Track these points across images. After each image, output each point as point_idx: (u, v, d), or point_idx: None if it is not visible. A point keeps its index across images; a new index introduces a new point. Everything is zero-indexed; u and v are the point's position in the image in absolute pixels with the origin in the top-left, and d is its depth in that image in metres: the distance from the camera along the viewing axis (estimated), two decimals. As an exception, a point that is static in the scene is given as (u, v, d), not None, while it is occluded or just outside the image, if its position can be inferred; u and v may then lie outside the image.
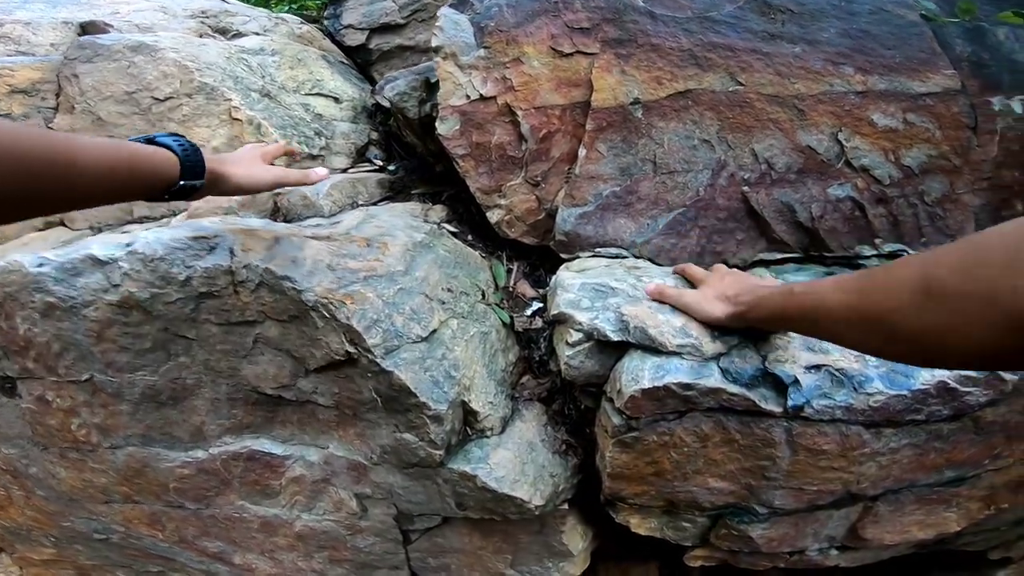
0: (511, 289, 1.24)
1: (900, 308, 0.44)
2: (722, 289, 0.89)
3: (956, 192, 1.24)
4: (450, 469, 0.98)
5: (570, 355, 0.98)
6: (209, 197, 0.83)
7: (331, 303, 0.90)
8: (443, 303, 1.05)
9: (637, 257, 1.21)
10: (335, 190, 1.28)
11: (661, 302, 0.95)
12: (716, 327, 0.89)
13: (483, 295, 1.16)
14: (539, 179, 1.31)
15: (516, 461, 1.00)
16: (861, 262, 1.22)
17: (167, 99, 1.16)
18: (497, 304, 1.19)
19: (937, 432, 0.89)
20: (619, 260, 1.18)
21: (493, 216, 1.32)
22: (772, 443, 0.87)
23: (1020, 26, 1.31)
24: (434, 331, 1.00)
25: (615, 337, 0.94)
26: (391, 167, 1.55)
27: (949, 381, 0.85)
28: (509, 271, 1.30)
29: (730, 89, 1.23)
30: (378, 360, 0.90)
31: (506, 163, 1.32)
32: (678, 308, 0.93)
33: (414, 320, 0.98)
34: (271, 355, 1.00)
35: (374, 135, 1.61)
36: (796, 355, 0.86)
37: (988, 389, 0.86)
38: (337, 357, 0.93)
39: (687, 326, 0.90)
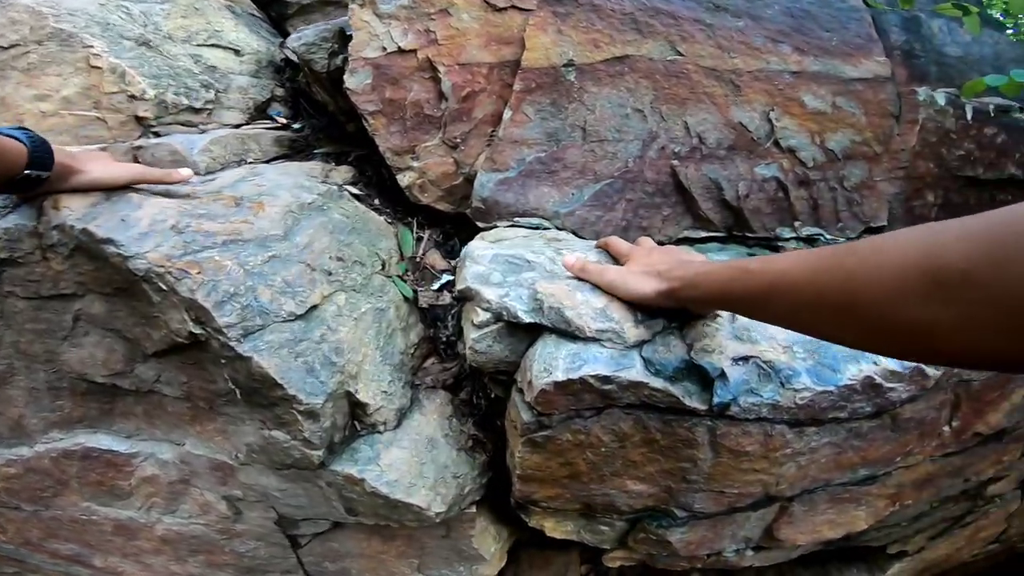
0: (419, 260, 1.05)
1: (895, 297, 0.35)
2: (651, 264, 0.75)
3: (874, 179, 1.17)
4: (333, 471, 0.77)
5: (476, 338, 0.79)
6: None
7: (168, 272, 0.66)
8: (329, 274, 0.83)
9: (560, 229, 1.05)
10: (216, 145, 1.01)
11: (582, 279, 0.80)
12: (642, 307, 0.74)
13: (384, 266, 0.95)
14: (458, 141, 1.12)
15: (413, 461, 0.81)
16: (780, 244, 1.13)
17: (12, 47, 0.98)
18: (400, 276, 0.97)
19: (857, 430, 0.81)
20: (540, 231, 1.02)
21: (404, 179, 1.11)
22: (694, 444, 0.74)
23: (956, 18, 1.26)
24: (314, 307, 0.77)
25: (527, 318, 0.76)
26: (296, 125, 1.29)
27: (875, 376, 0.76)
28: (419, 240, 1.10)
29: (668, 58, 1.09)
30: (232, 343, 0.67)
31: (422, 122, 1.12)
32: (600, 286, 0.78)
33: (287, 294, 0.75)
34: (98, 336, 0.75)
35: (280, 91, 1.35)
36: (723, 344, 0.74)
37: (911, 385, 0.78)
38: (180, 339, 0.69)
39: (609, 308, 0.75)
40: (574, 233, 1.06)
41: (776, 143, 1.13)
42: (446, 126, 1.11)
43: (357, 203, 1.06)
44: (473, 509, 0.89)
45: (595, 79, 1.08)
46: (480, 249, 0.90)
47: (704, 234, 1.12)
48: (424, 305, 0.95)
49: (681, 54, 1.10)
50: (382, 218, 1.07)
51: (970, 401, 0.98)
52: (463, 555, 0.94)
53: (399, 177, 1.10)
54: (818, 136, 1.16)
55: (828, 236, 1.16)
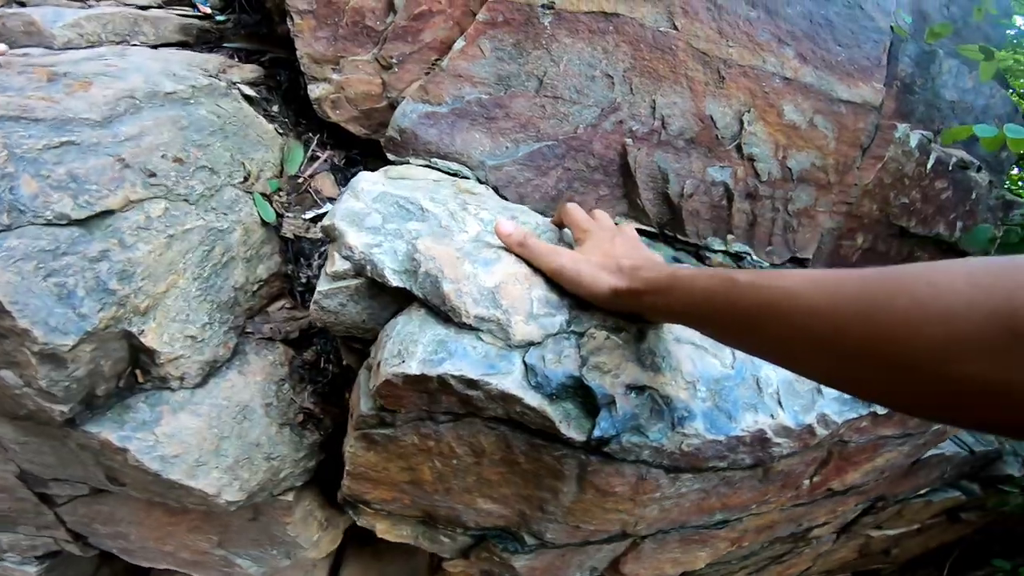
0: (303, 180, 0.80)
1: (962, 351, 0.27)
2: (611, 254, 0.56)
3: (817, 208, 1.04)
4: (86, 432, 0.53)
5: (325, 291, 0.56)
6: None
7: None
8: (152, 175, 0.56)
9: (480, 182, 0.84)
10: (91, 22, 0.71)
11: (519, 255, 0.58)
12: (551, 299, 0.56)
13: (247, 178, 0.68)
14: (394, 61, 0.85)
15: (208, 434, 0.58)
16: (707, 255, 0.98)
17: None
18: (265, 195, 0.71)
19: (729, 479, 0.68)
20: (455, 179, 0.79)
21: (316, 90, 0.81)
22: (560, 476, 0.56)
23: (969, 62, 1.11)
24: (105, 213, 0.51)
25: (395, 281, 0.54)
26: (220, 17, 0.97)
27: (767, 430, 0.62)
28: (312, 159, 0.84)
29: (661, 29, 0.87)
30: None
31: (358, 34, 0.84)
32: (544, 271, 0.57)
33: (66, 190, 0.49)
34: None
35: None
36: (622, 364, 0.57)
37: (797, 442, 0.66)
38: None
39: (500, 290, 0.53)
40: (495, 190, 0.84)
41: (739, 147, 0.96)
42: (385, 42, 0.84)
43: (244, 104, 0.76)
44: (290, 497, 0.67)
45: (572, 30, 0.84)
46: (368, 182, 0.65)
47: (635, 226, 0.95)
48: (288, 235, 0.70)
49: (676, 28, 0.88)
50: (273, 126, 0.77)
51: (840, 460, 0.90)
52: (276, 540, 0.74)
53: (311, 88, 0.82)
54: (782, 150, 0.99)
55: (754, 257, 1.02)
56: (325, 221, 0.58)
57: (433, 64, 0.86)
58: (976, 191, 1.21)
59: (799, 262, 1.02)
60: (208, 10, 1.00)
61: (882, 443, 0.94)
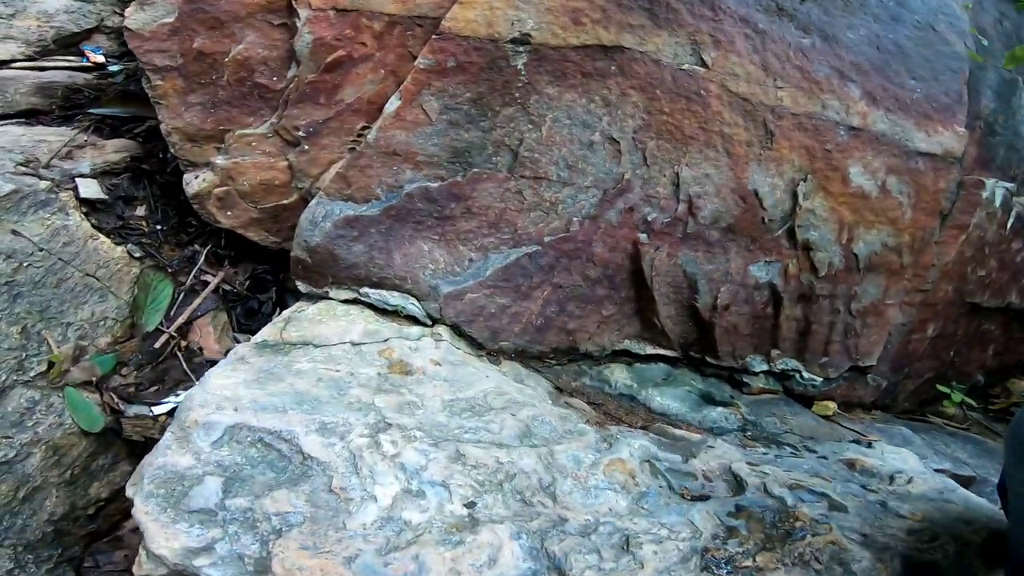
0: (166, 340, 0.48)
1: None
2: None
3: (886, 302, 0.75)
4: None
5: None
6: None
7: None
8: None
9: (431, 321, 0.52)
10: None
11: None
12: None
13: (51, 366, 0.41)
14: (302, 135, 0.53)
15: None
16: (745, 379, 0.69)
17: None
18: (89, 383, 0.43)
19: None
20: (385, 344, 0.46)
21: (194, 183, 0.53)
22: None
23: None
24: None
25: None
26: (115, 67, 0.68)
27: None
28: (193, 291, 0.52)
29: (684, 66, 0.54)
30: None
31: (248, 95, 0.53)
32: None
33: None
34: None
35: (113, 23, 0.75)
36: None
37: None
38: None
39: None
40: (456, 331, 0.53)
41: (791, 232, 0.66)
42: (288, 106, 0.53)
43: (76, 219, 0.47)
44: None
45: (557, 74, 0.51)
46: (205, 402, 0.36)
47: (651, 350, 0.61)
48: (135, 437, 0.43)
49: (705, 64, 0.55)
50: (124, 249, 0.50)
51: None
52: None
53: (186, 180, 0.53)
54: (847, 231, 0.69)
55: (805, 374, 0.73)
56: (130, 491, 0.32)
57: (359, 136, 0.53)
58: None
59: (860, 371, 0.74)
60: (100, 59, 0.70)
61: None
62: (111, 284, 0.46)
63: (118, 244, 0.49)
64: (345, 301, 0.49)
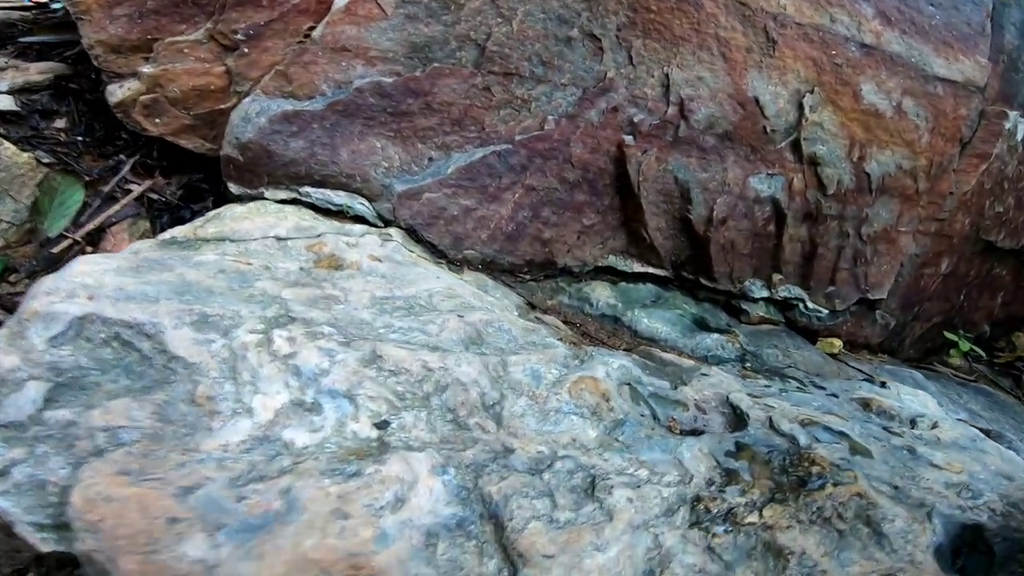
0: (69, 244, 0.38)
1: None
2: None
3: (899, 228, 0.64)
4: None
5: None
6: None
7: None
8: None
9: (382, 223, 0.41)
10: None
11: None
12: None
13: None
14: (242, 37, 0.43)
15: None
16: (743, 306, 0.59)
17: None
18: None
19: None
20: (319, 238, 0.36)
21: (117, 91, 0.43)
22: None
23: None
24: None
25: (38, 543, 0.18)
26: (57, 5, 0.57)
27: None
28: (111, 198, 0.42)
29: None
30: None
31: (180, 2, 0.43)
32: None
33: None
34: None
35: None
36: None
37: None
38: None
39: None
40: (412, 235, 0.46)
41: (795, 145, 0.55)
42: (226, 10, 0.43)
43: None
44: None
45: None
46: (55, 289, 0.26)
47: (639, 268, 0.51)
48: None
49: None
50: (31, 155, 0.40)
51: None
52: None
53: (109, 90, 0.43)
54: (859, 148, 0.58)
55: (809, 304, 0.62)
56: None
57: (306, 36, 0.43)
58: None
59: (868, 305, 0.63)
60: (42, -1, 0.60)
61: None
62: (10, 188, 0.36)
63: (25, 151, 0.39)
64: (282, 201, 0.39)
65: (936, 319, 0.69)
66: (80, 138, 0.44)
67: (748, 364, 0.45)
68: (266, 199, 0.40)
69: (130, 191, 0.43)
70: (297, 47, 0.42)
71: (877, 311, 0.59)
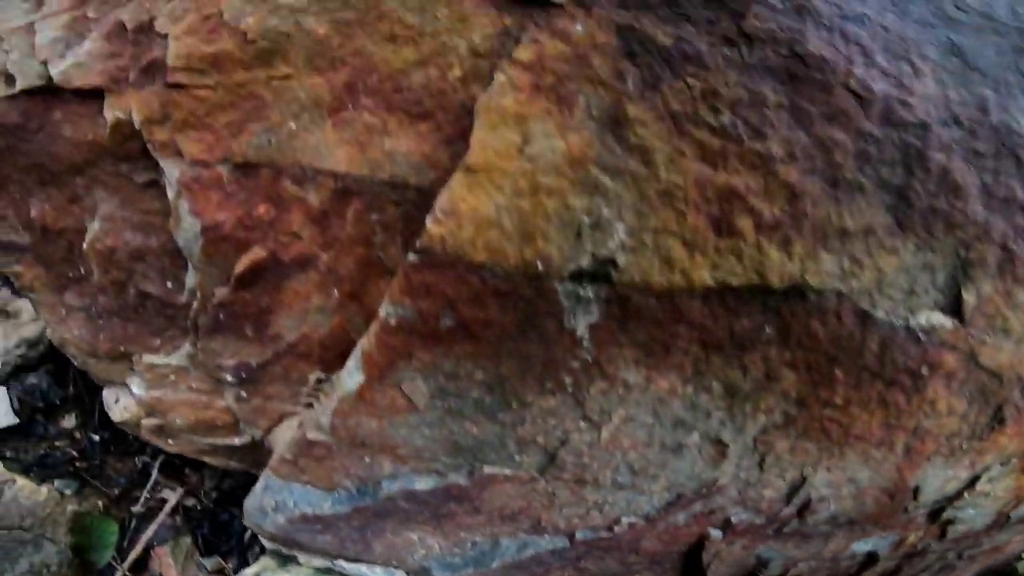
0: (129, 564, 0.40)
1: None
2: None
3: (1013, 539, 0.52)
4: None
5: None
6: None
7: None
8: None
9: None
10: None
11: None
12: None
13: None
14: (232, 379, 0.30)
15: None
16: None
17: None
18: None
19: None
20: None
21: (115, 409, 0.34)
22: None
23: None
24: None
25: None
26: None
27: None
28: (149, 516, 0.37)
29: (912, 323, 0.24)
30: None
31: (139, 307, 0.28)
32: None
33: None
34: None
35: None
36: None
37: None
38: None
39: None
40: None
41: (934, 514, 0.41)
42: (202, 335, 0.29)
43: None
44: None
45: (653, 344, 0.19)
46: None
47: None
48: None
49: (961, 315, 0.22)
50: (46, 490, 0.34)
51: None
52: None
53: (105, 399, 0.35)
54: (1015, 503, 0.43)
55: None
56: None
57: (318, 388, 0.30)
58: None
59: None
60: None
61: None
62: (44, 531, 0.34)
63: (43, 484, 0.35)
64: (316, 569, 0.37)
65: None
66: (95, 435, 0.39)
67: None
68: (300, 564, 0.37)
69: (163, 499, 0.40)
70: (311, 405, 0.33)
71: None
